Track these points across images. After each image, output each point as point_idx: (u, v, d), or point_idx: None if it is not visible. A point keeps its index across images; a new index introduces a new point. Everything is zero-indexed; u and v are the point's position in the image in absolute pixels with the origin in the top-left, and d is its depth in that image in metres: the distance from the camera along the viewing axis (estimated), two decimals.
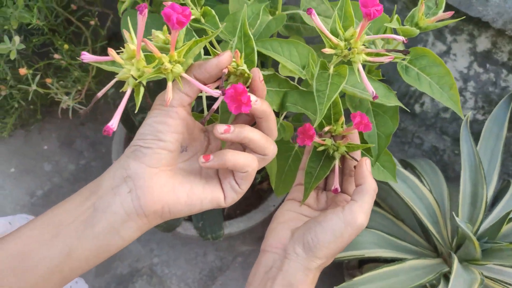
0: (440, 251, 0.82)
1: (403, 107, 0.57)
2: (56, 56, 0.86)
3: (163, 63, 0.37)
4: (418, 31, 0.55)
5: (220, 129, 0.38)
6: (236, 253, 1.05)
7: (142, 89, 0.37)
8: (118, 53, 0.38)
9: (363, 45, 0.44)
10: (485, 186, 0.74)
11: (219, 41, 0.55)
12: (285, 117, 0.63)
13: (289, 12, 0.68)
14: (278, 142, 0.62)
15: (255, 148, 0.40)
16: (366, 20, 0.40)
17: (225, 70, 0.39)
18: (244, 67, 0.41)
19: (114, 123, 0.35)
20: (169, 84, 0.37)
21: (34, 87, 0.80)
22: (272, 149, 0.41)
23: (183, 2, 0.50)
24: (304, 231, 0.44)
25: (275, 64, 0.63)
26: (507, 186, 0.85)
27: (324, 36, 0.44)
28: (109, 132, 0.34)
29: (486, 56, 0.94)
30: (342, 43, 0.44)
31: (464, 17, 0.80)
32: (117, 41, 1.12)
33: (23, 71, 0.82)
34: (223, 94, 0.36)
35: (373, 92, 0.42)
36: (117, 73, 0.37)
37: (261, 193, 1.00)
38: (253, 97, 0.38)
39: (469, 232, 0.66)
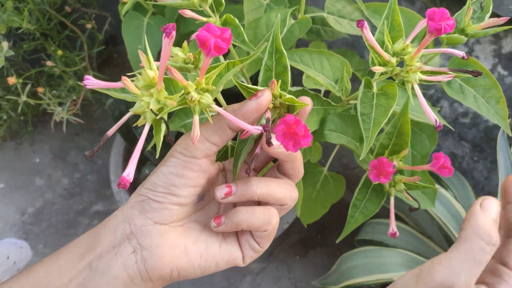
0: None
1: (447, 125, 0.50)
2: (49, 63, 0.78)
3: (189, 93, 0.30)
4: (465, 39, 0.49)
5: (220, 193, 0.33)
6: (244, 272, 0.98)
7: (163, 127, 0.30)
8: (129, 77, 0.30)
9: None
10: None
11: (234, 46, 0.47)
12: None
13: (312, 15, 0.61)
14: (305, 164, 0.56)
15: (270, 202, 0.34)
16: (432, 36, 0.33)
17: (268, 112, 0.32)
18: (286, 95, 0.33)
19: (130, 172, 0.27)
20: (196, 118, 0.30)
21: (24, 98, 0.72)
22: (292, 198, 0.35)
23: (200, 9, 0.43)
24: None
25: (297, 75, 0.56)
26: None
27: (373, 51, 0.37)
28: (125, 185, 0.27)
29: (511, 58, 0.89)
30: (394, 60, 0.37)
31: None
32: (114, 45, 1.04)
33: (12, 80, 0.74)
34: (266, 131, 0.29)
35: (436, 120, 0.35)
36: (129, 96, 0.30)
37: None
38: (275, 140, 0.31)
39: None
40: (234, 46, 0.50)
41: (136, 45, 0.62)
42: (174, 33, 0.26)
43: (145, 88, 0.30)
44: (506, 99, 0.91)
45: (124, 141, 0.78)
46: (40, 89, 0.80)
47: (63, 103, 0.77)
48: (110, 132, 0.30)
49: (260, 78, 0.39)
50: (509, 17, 0.47)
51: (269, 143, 0.30)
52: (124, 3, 0.62)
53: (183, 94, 0.30)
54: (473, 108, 0.51)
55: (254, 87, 0.34)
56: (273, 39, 0.38)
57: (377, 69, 0.36)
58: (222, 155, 0.40)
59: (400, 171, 0.45)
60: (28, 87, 0.75)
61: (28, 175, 1.05)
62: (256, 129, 0.29)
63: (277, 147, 0.32)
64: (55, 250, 0.34)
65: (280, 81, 0.34)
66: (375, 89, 0.41)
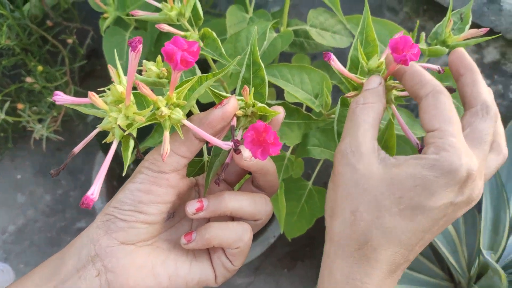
0: (457, 281, 0.75)
1: None
2: (29, 79, 0.77)
3: (159, 108, 0.28)
4: (447, 50, 0.48)
5: (191, 209, 0.32)
6: (232, 286, 0.96)
7: (132, 143, 0.29)
8: (99, 92, 0.29)
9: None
10: (508, 211, 0.68)
11: (214, 60, 0.47)
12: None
13: (294, 28, 0.60)
14: (287, 179, 0.55)
15: (243, 216, 0.33)
16: (396, 65, 0.32)
17: (234, 119, 0.31)
18: (259, 104, 0.33)
19: (95, 191, 0.26)
20: (166, 134, 0.29)
21: (2, 116, 0.70)
22: (266, 212, 0.34)
23: (178, 23, 0.42)
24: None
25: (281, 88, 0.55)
26: None
27: (344, 78, 0.37)
28: (89, 204, 0.25)
29: (493, 67, 0.90)
30: None
31: (500, 34, 0.74)
32: (97, 57, 1.03)
33: None
34: (236, 147, 0.28)
35: (417, 143, 0.34)
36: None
37: None
38: (246, 152, 0.30)
39: (496, 265, 0.60)
40: (214, 61, 0.49)
41: (114, 56, 0.61)
42: (140, 47, 0.25)
43: (114, 103, 0.29)
44: None
45: (104, 155, 0.77)
46: (20, 106, 0.78)
47: (44, 120, 0.75)
48: (77, 149, 0.29)
49: (237, 91, 0.38)
50: (489, 28, 0.47)
51: (237, 151, 0.29)
52: (105, 18, 0.61)
53: (153, 109, 0.29)
54: None
55: (227, 94, 0.33)
56: (251, 51, 0.38)
57: (350, 94, 0.36)
58: (197, 171, 0.39)
59: None
60: (7, 104, 0.73)
61: (10, 191, 1.03)
62: (226, 145, 0.28)
63: (248, 158, 0.31)
64: None
65: (253, 89, 0.33)
66: None
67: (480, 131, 0.30)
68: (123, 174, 0.28)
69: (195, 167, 0.39)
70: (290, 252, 0.97)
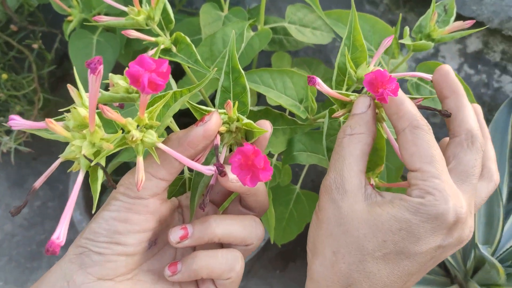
0: (453, 275, 0.74)
1: None
2: None
3: (129, 131, 0.25)
4: (432, 45, 0.47)
5: (174, 237, 0.29)
6: None
7: (100, 174, 0.25)
8: (62, 115, 0.26)
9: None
10: (501, 203, 0.67)
11: (182, 73, 0.44)
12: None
13: (273, 26, 0.57)
14: (274, 186, 0.52)
15: (233, 242, 0.31)
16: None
17: (217, 137, 0.28)
18: (244, 120, 0.30)
19: (60, 234, 0.23)
20: (140, 160, 0.26)
21: None
22: (257, 236, 0.31)
23: (148, 27, 0.39)
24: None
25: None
26: None
27: (332, 98, 0.34)
28: (54, 251, 0.22)
29: (477, 56, 0.89)
30: (355, 98, 0.34)
31: (487, 26, 0.73)
32: (70, 62, 0.98)
33: None
34: (220, 172, 0.26)
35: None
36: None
37: None
38: (232, 174, 0.28)
39: (493, 259, 0.59)
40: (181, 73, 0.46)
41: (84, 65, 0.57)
42: (101, 68, 0.22)
43: (78, 128, 0.26)
44: (475, 97, 0.91)
45: None
46: None
47: (12, 131, 0.71)
48: (37, 184, 0.26)
49: (217, 101, 0.35)
50: (474, 21, 0.45)
51: (221, 174, 0.26)
52: (69, 21, 0.57)
53: (123, 133, 0.26)
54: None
55: (208, 108, 0.30)
56: (229, 57, 0.35)
57: (339, 114, 0.33)
58: (178, 189, 0.36)
59: (377, 188, 0.42)
60: None
61: None
62: (208, 170, 0.25)
63: (235, 180, 0.28)
64: (16, 286, 0.29)
65: (237, 102, 0.31)
66: (341, 118, 0.38)
67: (466, 163, 0.29)
68: (93, 212, 0.25)
69: (176, 185, 0.36)
70: (281, 253, 0.95)
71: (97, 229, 0.28)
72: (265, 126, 0.30)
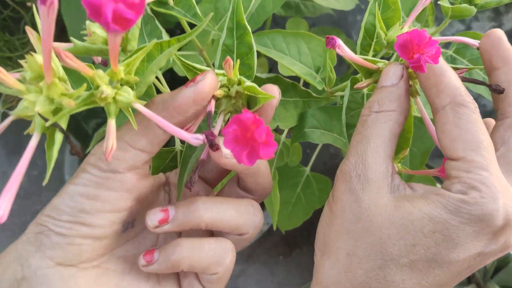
0: (471, 275, 0.69)
1: None
2: None
3: (99, 87, 0.20)
4: (475, 10, 0.40)
5: (152, 220, 0.24)
6: None
7: (59, 137, 0.20)
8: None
9: None
10: None
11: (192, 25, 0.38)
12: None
13: None
14: (281, 166, 0.47)
15: (224, 230, 0.25)
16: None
17: (211, 103, 0.23)
18: (246, 83, 0.24)
19: (2, 207, 0.18)
20: (111, 124, 0.21)
21: None
22: (254, 224, 0.26)
23: None
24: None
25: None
26: None
27: (356, 65, 0.28)
28: None
29: None
30: (383, 65, 0.28)
31: None
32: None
33: None
34: (210, 142, 0.20)
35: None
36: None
37: None
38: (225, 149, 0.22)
39: None
40: (191, 25, 0.40)
41: (80, 25, 0.52)
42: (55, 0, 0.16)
43: (35, 81, 0.20)
44: None
45: (76, 139, 0.68)
46: None
47: (1, 95, 0.66)
48: None
49: (216, 62, 0.29)
50: None
51: (213, 147, 0.20)
52: None
53: (90, 89, 0.21)
54: (481, 93, 0.43)
55: (203, 67, 0.25)
56: (233, 11, 0.29)
57: (362, 85, 0.27)
58: (168, 163, 0.31)
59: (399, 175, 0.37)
60: None
61: None
62: (195, 139, 0.20)
63: (229, 155, 0.23)
64: None
65: (237, 61, 0.25)
66: (365, 90, 0.32)
67: None
68: (44, 183, 0.20)
69: (165, 159, 0.31)
70: (286, 238, 0.90)
71: (60, 206, 0.23)
72: (272, 91, 0.24)
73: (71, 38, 0.25)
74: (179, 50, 0.53)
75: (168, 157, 0.31)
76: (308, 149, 0.86)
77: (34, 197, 0.93)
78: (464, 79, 0.27)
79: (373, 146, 0.23)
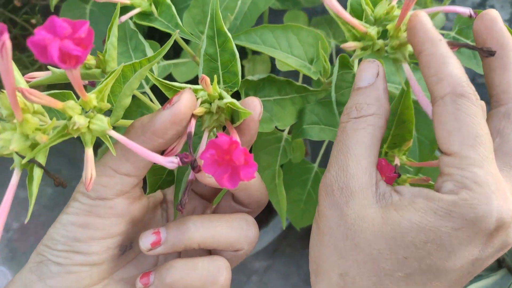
0: (501, 258, 0.67)
1: None
2: None
3: (71, 118, 0.20)
4: None
5: (145, 244, 0.24)
6: (249, 271, 0.91)
7: (37, 173, 0.21)
8: None
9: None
10: None
11: (187, 41, 0.37)
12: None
13: None
14: (287, 163, 0.46)
15: (218, 247, 0.25)
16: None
17: (191, 122, 0.23)
18: (226, 98, 0.24)
19: None
20: (88, 153, 0.21)
21: None
22: (248, 240, 0.25)
23: None
24: None
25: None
26: None
27: (343, 22, 0.27)
28: None
29: None
30: (373, 30, 0.27)
31: None
32: None
33: None
34: (191, 163, 0.20)
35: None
36: None
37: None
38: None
39: None
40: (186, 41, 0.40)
41: None
42: (5, 37, 0.16)
43: (11, 117, 0.21)
44: None
45: (71, 164, 0.69)
46: None
47: None
48: None
49: (200, 73, 0.29)
50: None
51: (195, 170, 0.21)
52: None
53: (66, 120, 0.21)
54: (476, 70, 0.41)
55: (180, 85, 0.25)
56: (212, 18, 0.28)
57: (350, 46, 0.26)
58: (165, 179, 0.31)
59: (406, 168, 0.35)
60: None
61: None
62: (169, 163, 0.20)
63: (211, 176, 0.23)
64: None
65: (228, 74, 0.24)
66: (356, 69, 0.31)
67: None
68: (25, 222, 0.21)
69: (161, 174, 0.31)
70: (308, 230, 0.90)
71: (55, 236, 0.24)
72: (253, 104, 0.24)
73: (49, 67, 0.25)
74: (175, 57, 0.53)
75: (163, 173, 0.31)
76: (315, 145, 0.84)
77: (62, 207, 0.96)
78: (453, 44, 0.25)
79: (353, 154, 0.22)
